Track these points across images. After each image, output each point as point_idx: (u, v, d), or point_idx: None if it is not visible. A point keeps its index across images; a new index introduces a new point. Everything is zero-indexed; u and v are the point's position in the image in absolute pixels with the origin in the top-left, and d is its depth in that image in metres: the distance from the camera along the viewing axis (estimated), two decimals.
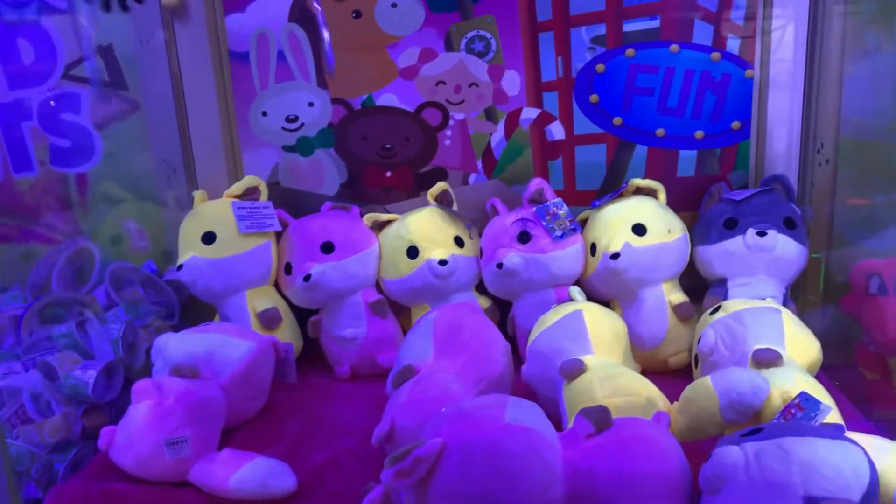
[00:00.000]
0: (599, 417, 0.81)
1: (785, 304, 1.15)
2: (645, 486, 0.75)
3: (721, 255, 1.19)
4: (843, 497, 0.63)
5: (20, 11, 1.21)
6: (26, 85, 1.26)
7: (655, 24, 1.24)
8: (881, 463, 0.71)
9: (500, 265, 1.20)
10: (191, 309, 1.33)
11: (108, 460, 1.00)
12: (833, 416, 0.85)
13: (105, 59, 1.26)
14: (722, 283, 1.19)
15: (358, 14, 1.27)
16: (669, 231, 1.19)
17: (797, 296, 1.25)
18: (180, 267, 1.22)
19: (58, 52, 1.26)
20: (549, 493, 0.75)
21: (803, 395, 0.85)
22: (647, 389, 0.93)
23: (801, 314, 1.19)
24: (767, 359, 0.93)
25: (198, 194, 1.27)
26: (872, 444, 0.75)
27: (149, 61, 1.26)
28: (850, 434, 0.79)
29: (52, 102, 1.28)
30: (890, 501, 0.71)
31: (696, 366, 1.08)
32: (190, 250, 1.22)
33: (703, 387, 0.88)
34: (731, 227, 1.18)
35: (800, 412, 0.84)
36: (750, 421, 0.86)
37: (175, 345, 1.09)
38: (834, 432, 0.73)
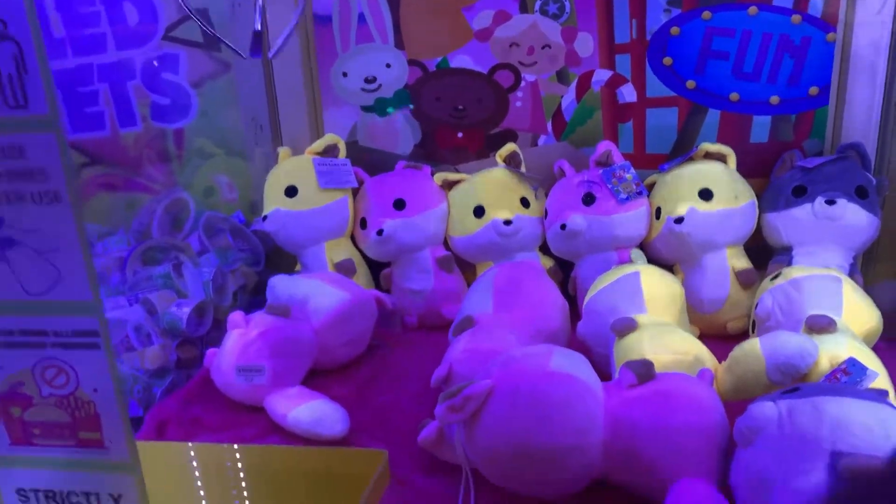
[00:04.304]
0: (643, 369, 0.85)
1: (851, 273, 1.14)
2: (681, 437, 0.78)
3: (788, 222, 1.18)
4: (869, 454, 0.64)
5: None
6: (131, 46, 1.37)
7: None
8: None
9: (563, 226, 1.23)
10: (275, 257, 1.43)
11: (198, 387, 1.13)
12: (881, 383, 0.85)
13: (200, 21, 1.35)
14: (787, 250, 1.19)
15: None
16: (737, 197, 1.19)
17: (868, 266, 1.22)
18: (265, 218, 1.31)
19: (159, 16, 1.36)
20: (589, 439, 0.80)
21: (850, 361, 0.86)
22: (696, 348, 0.96)
23: (870, 285, 1.17)
24: (820, 325, 0.93)
25: (282, 150, 1.36)
26: None
27: (240, 24, 1.34)
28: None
29: (154, 62, 1.39)
30: None
31: (754, 331, 1.09)
32: (274, 203, 1.32)
33: (751, 348, 0.90)
34: (800, 194, 1.17)
35: (845, 377, 0.85)
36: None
37: (281, 286, 1.19)
38: (874, 395, 0.74)
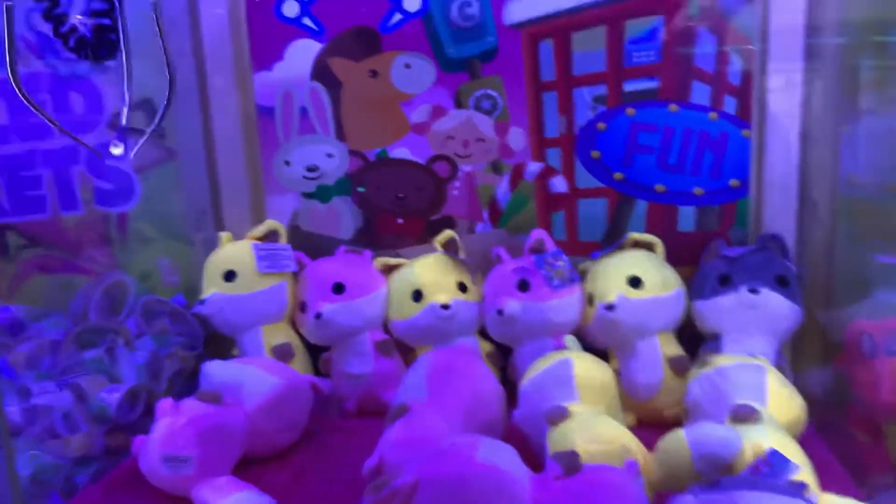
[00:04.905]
0: (568, 461, 0.86)
1: (778, 361, 1.17)
2: None
3: (715, 310, 1.22)
4: None
5: (73, 67, 1.35)
6: (76, 133, 1.39)
7: (654, 84, 1.30)
8: None
9: (500, 311, 1.25)
10: (212, 341, 1.42)
11: (125, 475, 1.10)
12: (803, 475, 0.87)
13: (146, 110, 1.39)
14: (716, 337, 1.22)
15: (374, 73, 1.37)
16: (665, 284, 1.23)
17: (794, 354, 1.27)
18: (203, 301, 1.31)
19: (104, 104, 1.39)
20: None
21: (772, 452, 0.87)
22: (623, 437, 0.97)
23: (796, 373, 1.21)
24: (744, 414, 0.95)
25: (224, 235, 1.37)
26: None
27: (184, 114, 1.38)
28: (824, 494, 0.81)
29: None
30: None
31: (686, 419, 1.11)
32: (212, 286, 1.32)
33: (677, 439, 0.91)
34: (725, 283, 1.21)
35: (767, 468, 0.87)
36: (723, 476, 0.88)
37: (214, 372, 1.18)
38: (792, 490, 0.76)
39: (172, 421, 1.06)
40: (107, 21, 1.27)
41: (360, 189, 1.40)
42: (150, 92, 1.38)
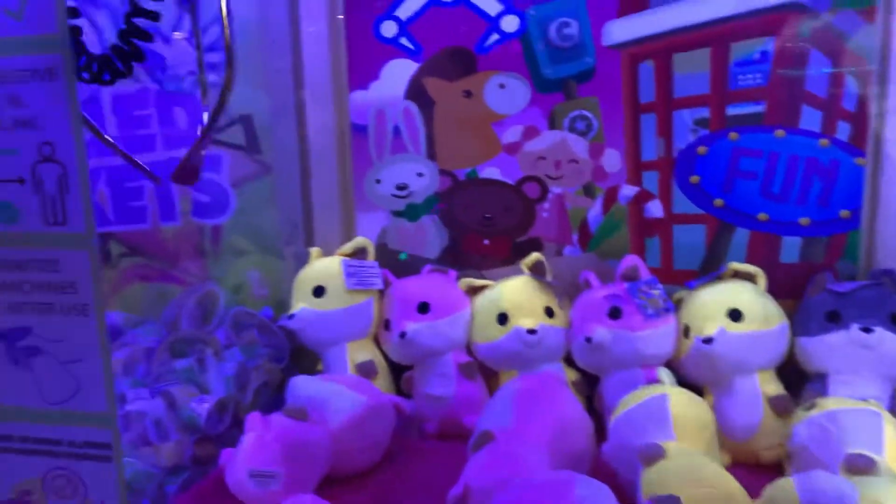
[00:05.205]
0: None
1: (892, 407, 1.09)
2: None
3: (822, 348, 1.15)
4: None
5: (178, 84, 1.40)
6: (178, 146, 1.44)
7: (760, 108, 1.25)
8: None
9: (588, 339, 1.21)
10: (297, 355, 1.43)
11: (212, 486, 1.11)
12: None
13: (245, 126, 1.43)
14: (821, 377, 1.15)
15: (468, 93, 1.37)
16: (767, 319, 1.16)
17: None
18: (291, 316, 1.33)
19: (205, 119, 1.43)
20: None
21: None
22: (727, 483, 0.91)
23: None
24: (859, 465, 0.89)
25: (314, 251, 1.39)
26: None
27: (281, 130, 1.41)
28: None
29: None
30: None
31: (788, 463, 1.04)
32: (301, 301, 1.34)
33: (786, 488, 0.86)
34: (834, 319, 1.14)
35: None
36: None
37: (302, 387, 1.19)
38: None
39: (259, 435, 1.07)
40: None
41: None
42: (248, 108, 1.42)
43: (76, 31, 1.19)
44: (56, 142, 0.55)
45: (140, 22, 1.17)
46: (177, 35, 1.40)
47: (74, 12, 1.17)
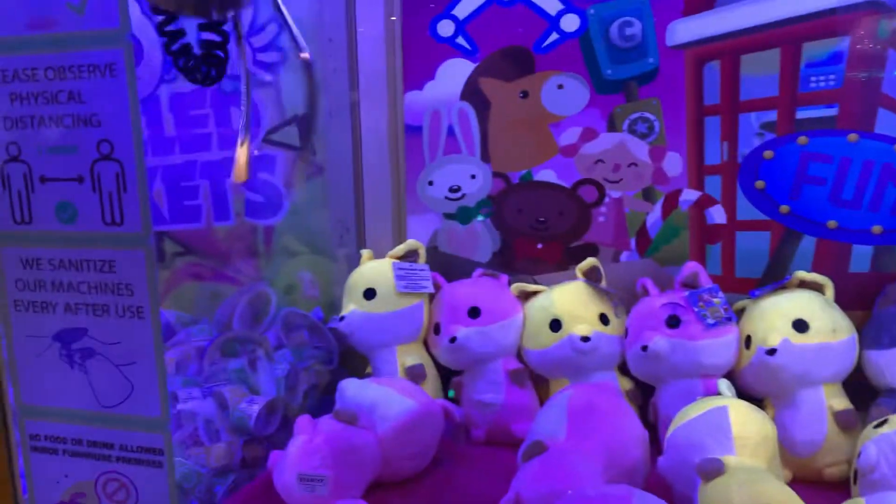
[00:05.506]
0: None
1: None
2: None
3: (894, 362, 1.09)
4: None
5: (236, 84, 1.41)
6: (233, 146, 1.45)
7: (833, 112, 1.19)
8: None
9: (644, 347, 1.17)
10: (346, 357, 1.43)
11: (260, 489, 1.11)
12: None
13: (299, 126, 1.43)
14: (893, 392, 1.09)
15: (525, 94, 1.34)
16: (835, 330, 1.11)
17: None
18: (342, 318, 1.32)
19: (262, 119, 1.44)
20: None
21: None
22: (790, 501, 0.87)
23: None
24: None
25: (365, 253, 1.39)
26: None
27: (335, 131, 1.41)
28: None
29: (255, 152, 1.47)
30: None
31: (855, 482, 0.99)
32: (352, 303, 1.33)
33: None
34: None
35: None
36: None
37: (351, 391, 1.18)
38: None
39: (309, 439, 1.06)
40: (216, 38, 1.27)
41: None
42: (303, 108, 1.42)
43: (181, 34, 1.21)
44: (115, 139, 0.55)
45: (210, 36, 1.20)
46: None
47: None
